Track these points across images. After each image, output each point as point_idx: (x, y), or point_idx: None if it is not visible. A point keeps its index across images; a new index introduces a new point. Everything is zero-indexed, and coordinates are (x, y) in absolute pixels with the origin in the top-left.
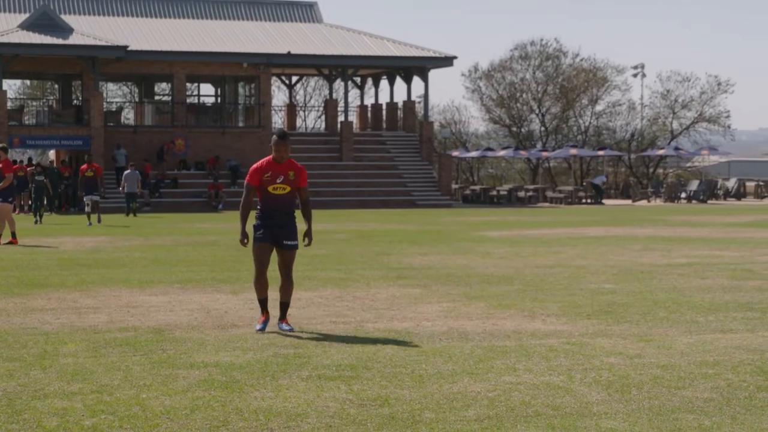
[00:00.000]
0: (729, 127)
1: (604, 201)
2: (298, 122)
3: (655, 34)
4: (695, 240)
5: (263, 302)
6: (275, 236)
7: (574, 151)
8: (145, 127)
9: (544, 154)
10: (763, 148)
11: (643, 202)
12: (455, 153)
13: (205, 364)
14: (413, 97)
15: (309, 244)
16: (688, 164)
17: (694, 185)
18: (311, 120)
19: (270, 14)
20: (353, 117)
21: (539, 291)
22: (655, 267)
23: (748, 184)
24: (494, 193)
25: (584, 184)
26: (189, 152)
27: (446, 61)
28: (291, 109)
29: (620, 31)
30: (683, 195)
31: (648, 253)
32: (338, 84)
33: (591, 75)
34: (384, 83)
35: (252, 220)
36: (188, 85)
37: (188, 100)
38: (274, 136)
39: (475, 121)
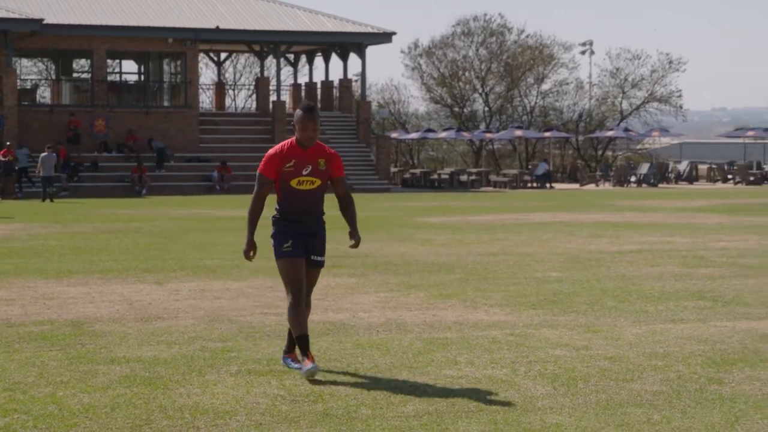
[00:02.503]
0: (681, 107)
1: (552, 185)
2: (228, 102)
3: (605, 9)
4: (645, 226)
5: (304, 340)
6: (305, 247)
7: (519, 132)
8: (63, 106)
9: (488, 135)
10: (716, 129)
11: (592, 186)
12: (394, 135)
13: (126, 359)
14: (350, 76)
15: (356, 245)
16: (638, 146)
17: (644, 168)
18: (241, 99)
19: None
20: (286, 96)
21: (482, 280)
22: (604, 254)
23: (700, 167)
24: (435, 177)
25: (529, 167)
26: (110, 134)
27: (384, 37)
28: (220, 87)
29: (568, 6)
30: (633, 178)
31: (596, 240)
32: (270, 61)
33: (537, 52)
34: (319, 60)
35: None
36: (109, 61)
37: (109, 78)
38: (299, 110)
39: (415, 100)
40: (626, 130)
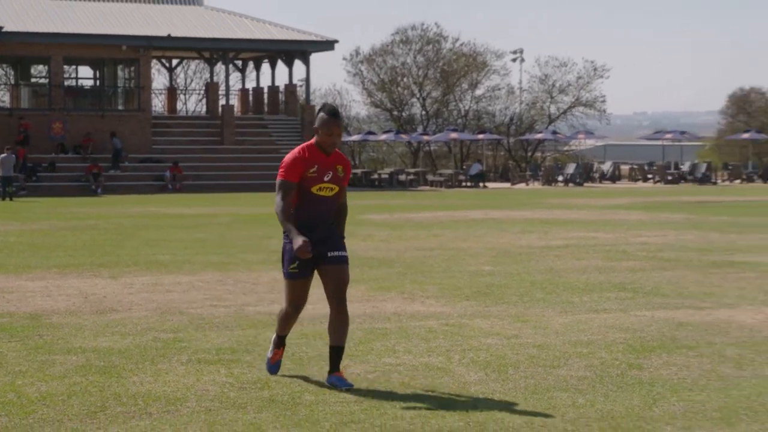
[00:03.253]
0: (605, 111)
1: (486, 184)
2: (179, 105)
3: (534, 19)
4: (571, 222)
5: (283, 339)
6: (314, 255)
7: (454, 135)
8: (22, 110)
9: (425, 137)
10: (637, 132)
11: (522, 185)
12: None
13: (82, 349)
14: (295, 81)
15: None
16: (565, 148)
17: (570, 168)
18: (192, 103)
19: None
20: (234, 100)
21: (419, 273)
22: (533, 249)
23: (622, 167)
24: (376, 176)
25: (464, 165)
26: (67, 136)
27: (327, 44)
28: (171, 92)
29: (500, 17)
30: (560, 178)
31: (526, 236)
32: (219, 67)
33: (471, 59)
34: (265, 66)
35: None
36: (66, 67)
37: (66, 83)
38: (323, 114)
39: (357, 105)
40: (554, 132)
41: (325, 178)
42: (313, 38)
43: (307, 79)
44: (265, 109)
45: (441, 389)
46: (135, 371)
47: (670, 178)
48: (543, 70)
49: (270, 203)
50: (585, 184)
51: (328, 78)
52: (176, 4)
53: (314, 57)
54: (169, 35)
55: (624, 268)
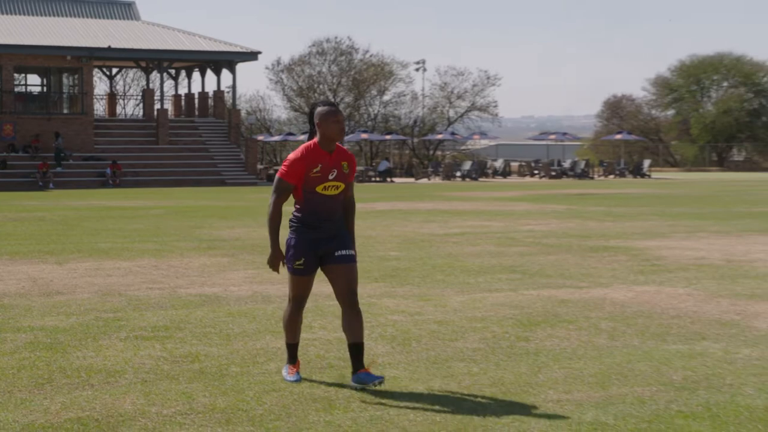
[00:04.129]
0: (497, 115)
1: (393, 179)
2: (118, 110)
3: (436, 33)
4: (468, 212)
5: (293, 348)
6: (321, 255)
7: (364, 135)
8: None
9: None
10: (526, 133)
11: (425, 180)
12: (260, 137)
13: (31, 328)
14: (222, 88)
15: None
16: (462, 147)
17: (467, 165)
18: (130, 108)
19: (91, 12)
20: (168, 105)
21: None
22: (434, 236)
23: (512, 164)
24: None
25: (373, 163)
26: (17, 137)
27: (252, 55)
28: (111, 97)
29: (405, 31)
30: (458, 174)
31: (427, 225)
32: (155, 75)
33: (379, 69)
34: (196, 75)
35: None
36: (16, 75)
37: (16, 89)
38: (322, 108)
39: (278, 109)
40: (452, 134)
41: (330, 177)
42: (239, 50)
43: (234, 86)
44: (196, 112)
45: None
46: (78, 347)
47: (553, 173)
48: (443, 79)
49: (201, 197)
50: (480, 179)
51: (253, 85)
52: (116, 18)
53: (240, 66)
54: (109, 47)
55: (513, 252)
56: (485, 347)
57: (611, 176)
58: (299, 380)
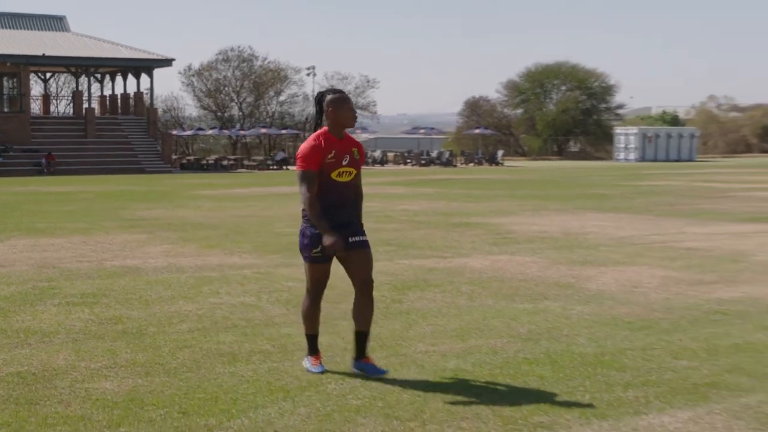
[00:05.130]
0: (376, 113)
1: (289, 167)
2: (52, 108)
3: (324, 41)
4: None
5: (314, 339)
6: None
7: (264, 130)
8: None
9: (242, 132)
10: (400, 128)
11: None
12: (174, 132)
13: None
14: (142, 89)
15: None
16: None
17: None
18: (62, 107)
19: (28, 24)
20: (95, 104)
21: (237, 234)
22: None
23: (389, 154)
24: (204, 162)
25: (272, 153)
26: None
27: (167, 62)
28: (46, 98)
29: (297, 39)
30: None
31: None
32: (83, 79)
33: (276, 74)
34: (119, 78)
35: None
36: None
37: None
38: (335, 95)
39: (190, 107)
40: None
41: (344, 162)
42: (156, 57)
43: (151, 88)
44: (119, 111)
45: (254, 321)
46: (17, 312)
47: (423, 162)
48: (330, 82)
49: (124, 184)
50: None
51: (168, 87)
52: (49, 30)
53: (156, 71)
54: (44, 54)
55: (389, 228)
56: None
57: (471, 164)
58: (324, 371)
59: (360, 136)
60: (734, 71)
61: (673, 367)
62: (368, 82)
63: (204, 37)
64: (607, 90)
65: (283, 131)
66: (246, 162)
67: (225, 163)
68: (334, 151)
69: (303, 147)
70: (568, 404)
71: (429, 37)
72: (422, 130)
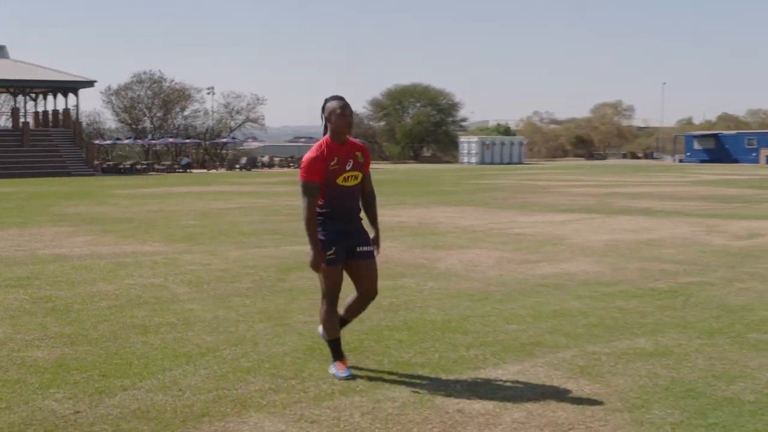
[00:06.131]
0: (264, 125)
1: (192, 171)
2: None
3: (220, 66)
4: (244, 193)
5: (337, 343)
6: (347, 246)
7: (171, 139)
8: None
9: (153, 141)
10: (284, 137)
11: (214, 171)
12: (96, 141)
13: None
14: (69, 106)
15: (378, 252)
16: (240, 147)
17: (243, 160)
18: (2, 122)
19: None
20: (30, 119)
21: (149, 227)
22: (220, 209)
23: (276, 159)
24: (122, 166)
25: (177, 159)
26: None
27: (90, 83)
28: None
29: (199, 65)
30: (238, 166)
31: (215, 202)
32: (20, 98)
33: (181, 93)
34: (50, 97)
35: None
36: None
37: None
38: (333, 102)
39: (109, 121)
40: (233, 138)
41: (348, 167)
42: (80, 79)
43: (77, 105)
44: (50, 124)
45: (162, 298)
46: None
47: None
48: (226, 100)
49: (54, 185)
50: (252, 170)
51: (91, 104)
52: None
53: (81, 91)
54: None
55: (276, 220)
56: (255, 286)
57: None
58: (352, 376)
59: (251, 144)
60: (553, 90)
61: (506, 330)
62: (258, 99)
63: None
64: (453, 106)
65: (187, 140)
66: (156, 166)
67: (139, 167)
68: (336, 158)
69: (306, 157)
70: (422, 362)
71: (309, 62)
72: (303, 139)
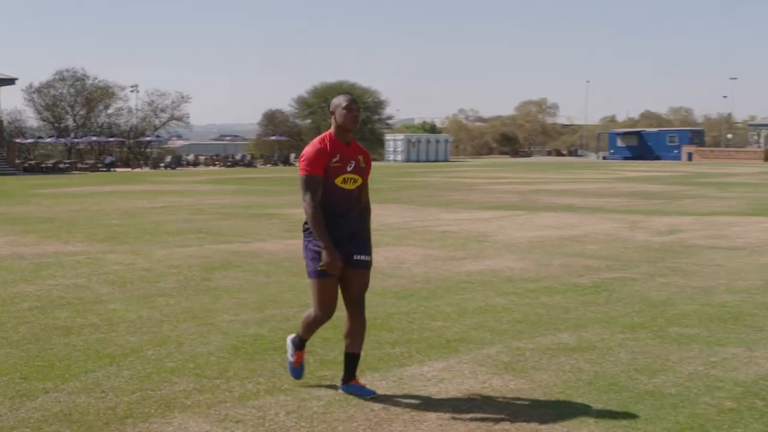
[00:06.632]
0: (189, 123)
1: (116, 169)
2: None
3: (147, 62)
4: (169, 192)
5: (304, 343)
6: (344, 254)
7: (95, 138)
8: None
9: (76, 140)
10: (210, 135)
11: (138, 170)
12: (18, 140)
13: None
14: None
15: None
16: (165, 146)
17: (168, 158)
18: None
19: None
20: None
21: (71, 226)
22: (144, 209)
23: (201, 157)
24: (44, 165)
25: (101, 157)
26: None
27: (11, 81)
28: None
29: (125, 61)
30: (162, 164)
31: (140, 201)
32: None
33: (105, 91)
34: None
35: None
36: None
37: None
38: (339, 97)
39: (31, 119)
40: (157, 136)
41: (348, 168)
42: (2, 77)
43: None
44: None
45: (85, 299)
46: None
47: (229, 164)
48: (150, 98)
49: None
50: (177, 169)
51: (13, 102)
52: None
53: (2, 89)
54: None
55: (200, 219)
56: (179, 286)
57: (268, 165)
58: (302, 373)
59: (176, 142)
60: (479, 88)
61: (431, 327)
62: (182, 97)
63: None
64: (379, 104)
65: (111, 139)
66: (79, 165)
67: (62, 166)
68: (339, 155)
69: (307, 150)
70: None
71: (234, 60)
72: (228, 137)
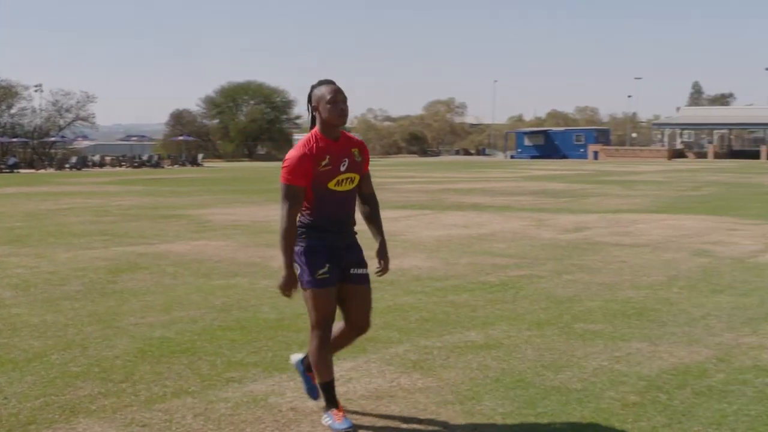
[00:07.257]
0: (95, 123)
1: (20, 171)
2: None
3: (51, 59)
4: (74, 193)
5: (330, 386)
6: (342, 267)
7: None
8: None
9: None
10: (116, 135)
11: (43, 171)
12: None
13: None
14: None
15: (386, 269)
16: (70, 146)
17: (74, 159)
18: None
19: None
20: None
21: None
22: (49, 210)
23: (107, 158)
24: None
25: (4, 158)
26: None
27: None
28: None
29: (26, 61)
30: (67, 165)
31: (45, 203)
32: None
33: (8, 90)
34: None
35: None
36: None
37: None
38: (320, 87)
39: None
40: (62, 137)
41: (342, 168)
42: None
43: None
44: None
45: None
46: None
47: (135, 164)
48: (55, 98)
49: None
50: (83, 170)
51: None
52: None
53: None
54: None
55: (107, 221)
56: (84, 289)
57: (176, 165)
58: (352, 426)
59: (82, 143)
60: (387, 88)
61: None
62: (88, 97)
63: None
64: (287, 104)
65: (14, 139)
66: None
67: None
68: (328, 157)
69: (290, 154)
70: (255, 361)
71: (140, 58)
72: (135, 138)
